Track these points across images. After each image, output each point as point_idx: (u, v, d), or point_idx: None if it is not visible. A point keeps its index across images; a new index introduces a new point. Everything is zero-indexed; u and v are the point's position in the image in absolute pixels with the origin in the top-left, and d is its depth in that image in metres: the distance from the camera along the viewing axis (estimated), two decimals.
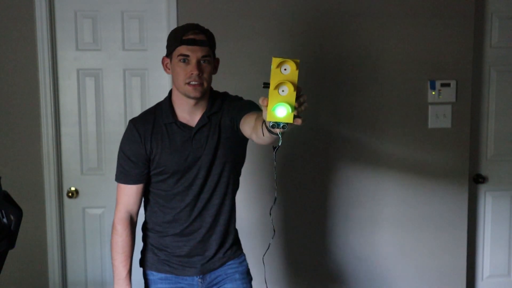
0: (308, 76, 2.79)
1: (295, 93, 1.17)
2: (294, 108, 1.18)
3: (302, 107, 1.22)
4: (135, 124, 1.79)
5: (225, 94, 1.87)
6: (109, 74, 2.76)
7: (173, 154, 1.74)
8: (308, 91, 2.86)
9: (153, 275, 1.86)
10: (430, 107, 2.89)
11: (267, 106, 1.18)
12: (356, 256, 2.91)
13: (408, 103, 2.88)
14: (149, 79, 2.78)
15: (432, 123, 2.90)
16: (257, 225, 2.76)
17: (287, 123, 1.19)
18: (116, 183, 2.75)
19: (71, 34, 2.72)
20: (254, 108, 1.68)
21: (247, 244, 2.11)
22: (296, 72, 1.18)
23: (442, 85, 2.87)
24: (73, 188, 2.79)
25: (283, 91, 1.17)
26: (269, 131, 1.29)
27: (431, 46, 2.85)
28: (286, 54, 2.71)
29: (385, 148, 2.88)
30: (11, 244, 1.46)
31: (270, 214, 1.63)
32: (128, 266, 1.83)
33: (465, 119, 2.92)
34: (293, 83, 1.17)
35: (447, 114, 2.90)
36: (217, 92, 1.86)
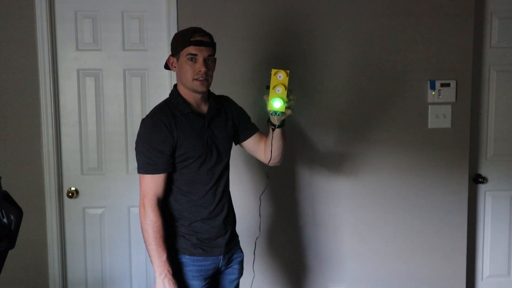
0: (308, 75, 2.79)
1: (286, 92, 1.82)
2: (285, 102, 1.82)
3: (291, 102, 1.86)
4: (157, 117, 1.91)
5: (213, 93, 2.11)
6: (109, 74, 2.76)
7: (195, 138, 1.92)
8: (307, 90, 2.87)
9: (186, 258, 1.96)
10: (430, 107, 2.89)
11: (268, 100, 1.84)
12: (355, 255, 2.92)
13: (408, 103, 2.88)
14: (149, 79, 2.78)
15: (432, 123, 2.90)
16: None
17: (281, 112, 1.85)
18: (115, 181, 2.78)
19: (71, 34, 2.72)
20: (251, 122, 2.16)
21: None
22: (287, 78, 1.82)
23: (442, 85, 2.87)
24: (73, 188, 2.79)
25: (278, 90, 1.82)
26: (270, 123, 1.96)
27: (431, 46, 2.86)
28: (284, 53, 2.74)
29: (385, 148, 2.88)
30: (11, 244, 1.46)
31: (267, 176, 2.25)
32: (166, 249, 1.90)
33: (465, 119, 2.92)
34: (284, 85, 1.82)
35: (447, 114, 2.90)
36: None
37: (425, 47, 2.85)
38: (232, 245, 2.07)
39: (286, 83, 1.82)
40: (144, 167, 1.89)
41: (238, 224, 2.18)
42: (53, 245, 2.75)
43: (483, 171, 3.13)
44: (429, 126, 2.90)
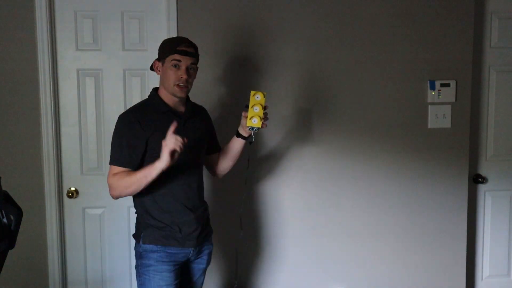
0: (307, 76, 2.79)
1: (262, 110, 2.08)
2: (261, 119, 2.08)
3: (266, 120, 2.11)
4: (133, 114, 2.06)
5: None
6: (109, 74, 2.77)
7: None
8: (307, 91, 2.87)
9: (158, 247, 2.05)
10: (430, 107, 2.89)
11: (246, 117, 2.09)
12: (355, 255, 2.92)
13: (408, 103, 2.88)
14: (149, 79, 2.78)
15: (431, 123, 2.90)
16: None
17: (258, 128, 2.10)
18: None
19: (71, 34, 2.72)
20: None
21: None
22: (264, 99, 2.08)
23: (442, 85, 2.87)
24: (73, 188, 2.79)
25: (256, 109, 2.07)
26: (244, 137, 2.18)
27: (431, 46, 2.86)
28: (285, 54, 2.74)
29: (384, 148, 2.88)
30: (11, 244, 1.47)
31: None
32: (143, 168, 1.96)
33: (465, 119, 2.92)
34: (261, 105, 2.08)
35: (446, 114, 2.90)
36: None
37: (425, 47, 2.85)
38: (203, 239, 2.17)
39: (263, 103, 2.08)
40: (116, 160, 2.01)
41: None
42: (53, 245, 2.75)
43: (482, 171, 3.13)
44: (429, 126, 2.90)
